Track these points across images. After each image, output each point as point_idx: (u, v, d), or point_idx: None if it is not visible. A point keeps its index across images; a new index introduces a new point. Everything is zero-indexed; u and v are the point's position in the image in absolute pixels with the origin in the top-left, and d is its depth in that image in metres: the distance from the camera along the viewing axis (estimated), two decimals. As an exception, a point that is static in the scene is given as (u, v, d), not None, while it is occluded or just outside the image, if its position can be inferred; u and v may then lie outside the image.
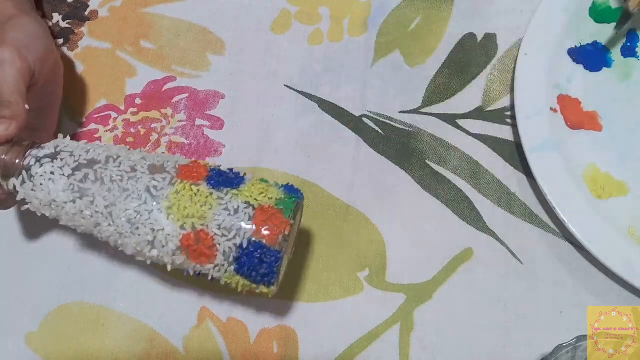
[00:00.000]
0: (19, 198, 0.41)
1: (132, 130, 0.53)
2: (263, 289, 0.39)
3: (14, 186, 0.40)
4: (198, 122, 0.54)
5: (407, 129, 0.53)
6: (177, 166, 0.40)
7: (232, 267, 0.38)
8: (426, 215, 0.50)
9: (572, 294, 0.48)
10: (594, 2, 0.54)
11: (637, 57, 0.53)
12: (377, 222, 0.50)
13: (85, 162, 0.40)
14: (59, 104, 0.50)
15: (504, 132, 0.52)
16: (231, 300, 0.48)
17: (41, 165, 0.40)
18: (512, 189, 0.51)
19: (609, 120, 0.51)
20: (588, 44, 0.53)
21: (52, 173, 0.39)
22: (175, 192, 0.39)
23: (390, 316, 0.47)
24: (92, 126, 0.53)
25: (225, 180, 0.40)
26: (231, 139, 0.53)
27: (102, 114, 0.54)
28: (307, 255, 0.49)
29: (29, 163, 0.40)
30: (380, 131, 0.53)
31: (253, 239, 0.38)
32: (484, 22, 0.56)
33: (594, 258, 0.46)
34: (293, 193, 0.40)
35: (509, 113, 0.53)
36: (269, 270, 0.38)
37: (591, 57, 0.53)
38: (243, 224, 0.38)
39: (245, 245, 0.38)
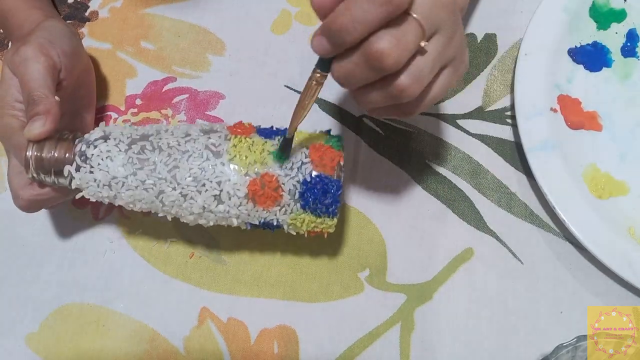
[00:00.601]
0: (74, 186, 0.42)
1: (132, 131, 0.53)
2: (327, 222, 0.41)
3: (70, 173, 0.41)
4: (198, 122, 0.54)
5: (407, 129, 0.53)
6: (225, 126, 0.42)
7: (298, 205, 0.41)
8: (426, 215, 0.50)
9: (572, 294, 0.48)
10: (594, 2, 0.54)
11: (637, 57, 0.53)
12: (377, 222, 0.50)
13: (138, 136, 0.42)
14: (93, 107, 0.51)
15: (504, 132, 0.52)
16: (231, 301, 0.48)
17: (95, 147, 0.41)
18: (512, 189, 0.51)
19: (609, 120, 0.51)
20: (588, 44, 0.53)
21: (109, 151, 0.41)
22: (233, 146, 0.41)
23: (391, 316, 0.47)
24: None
25: (272, 132, 0.42)
26: (231, 140, 0.53)
27: (103, 115, 0.54)
28: (307, 255, 0.49)
29: (81, 149, 0.41)
30: (380, 131, 0.53)
31: (314, 173, 0.40)
32: (484, 22, 0.56)
33: (594, 258, 0.46)
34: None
35: (509, 113, 0.53)
36: (333, 199, 0.40)
37: (591, 57, 0.53)
38: (302, 162, 0.40)
39: (308, 180, 0.40)
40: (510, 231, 0.49)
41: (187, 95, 0.54)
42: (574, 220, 0.47)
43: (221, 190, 0.40)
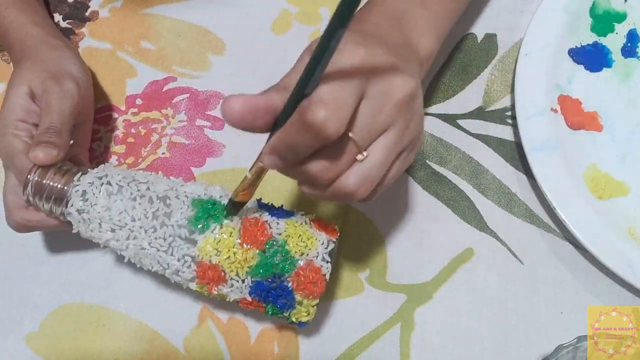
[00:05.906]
0: (68, 218, 0.42)
1: (133, 131, 0.53)
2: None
3: (65, 205, 0.42)
4: (198, 122, 0.54)
5: (407, 129, 0.53)
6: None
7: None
8: (426, 215, 0.50)
9: (572, 294, 0.48)
10: (594, 2, 0.54)
11: (637, 57, 0.53)
12: (377, 222, 0.50)
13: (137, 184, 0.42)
14: (91, 120, 0.51)
15: (504, 132, 0.52)
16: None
17: (96, 189, 0.41)
18: (512, 189, 0.51)
19: (609, 121, 0.51)
20: (588, 44, 0.53)
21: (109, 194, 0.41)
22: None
23: (391, 316, 0.47)
24: (93, 126, 0.53)
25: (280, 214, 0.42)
26: (232, 139, 0.53)
27: (103, 115, 0.54)
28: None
29: (81, 188, 0.41)
30: (380, 131, 0.53)
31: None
32: (484, 22, 0.56)
33: (594, 258, 0.46)
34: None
35: (509, 113, 0.53)
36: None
37: (591, 57, 0.53)
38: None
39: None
40: (510, 231, 0.49)
41: (187, 95, 0.54)
42: (574, 220, 0.47)
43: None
